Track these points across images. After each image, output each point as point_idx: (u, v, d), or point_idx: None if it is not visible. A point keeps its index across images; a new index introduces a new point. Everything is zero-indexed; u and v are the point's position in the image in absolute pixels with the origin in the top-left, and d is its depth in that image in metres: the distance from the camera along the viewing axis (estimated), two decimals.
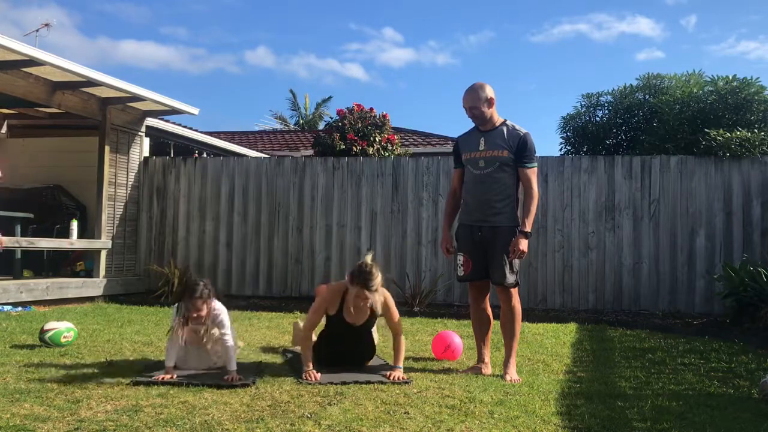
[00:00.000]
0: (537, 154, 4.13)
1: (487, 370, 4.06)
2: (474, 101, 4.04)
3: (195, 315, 3.67)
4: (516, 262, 4.00)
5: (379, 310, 3.84)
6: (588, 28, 48.29)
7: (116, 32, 51.98)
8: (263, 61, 50.00)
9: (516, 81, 49.99)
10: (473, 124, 4.21)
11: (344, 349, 4.01)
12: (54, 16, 48.83)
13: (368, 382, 3.60)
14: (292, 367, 4.05)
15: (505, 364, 4.00)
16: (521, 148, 4.00)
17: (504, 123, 4.10)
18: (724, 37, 48.87)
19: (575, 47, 49.71)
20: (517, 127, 4.09)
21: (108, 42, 51.13)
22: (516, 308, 4.05)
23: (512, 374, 3.91)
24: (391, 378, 3.67)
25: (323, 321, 4.04)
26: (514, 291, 4.04)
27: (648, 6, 48.58)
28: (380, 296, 3.81)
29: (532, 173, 4.04)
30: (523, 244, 3.90)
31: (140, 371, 3.78)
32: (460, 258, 4.12)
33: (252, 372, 3.81)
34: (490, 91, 4.05)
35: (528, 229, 3.91)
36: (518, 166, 4.01)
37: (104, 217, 8.31)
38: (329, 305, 3.95)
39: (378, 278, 3.74)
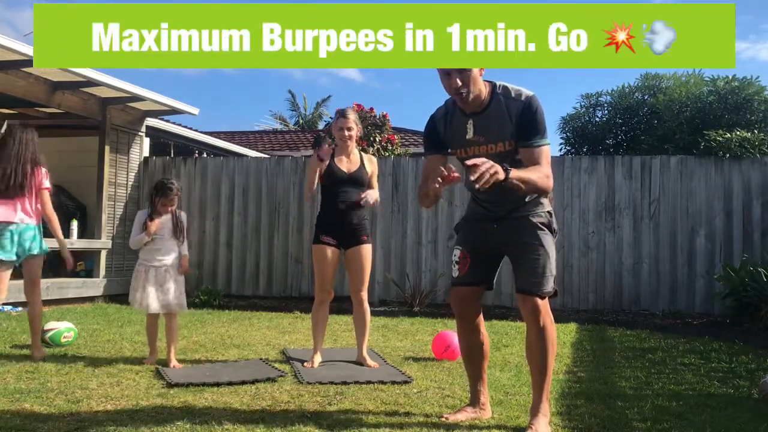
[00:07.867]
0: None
1: (486, 414, 3.00)
2: (466, 75, 2.72)
3: (168, 207, 4.30)
4: (554, 264, 3.00)
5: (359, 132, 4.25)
6: None
7: None
8: None
9: (512, 80, 49.97)
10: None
11: (342, 208, 4.16)
12: None
13: (368, 382, 3.61)
14: (292, 366, 4.05)
15: (533, 411, 2.83)
16: (524, 120, 2.75)
17: (494, 92, 2.82)
18: None
19: None
20: (515, 89, 2.82)
21: None
22: (548, 330, 2.90)
23: (539, 428, 2.75)
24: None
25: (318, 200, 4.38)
26: (546, 305, 2.91)
27: None
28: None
29: (542, 154, 2.74)
30: (498, 171, 2.48)
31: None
32: (456, 253, 3.04)
33: (268, 368, 3.92)
34: None
35: (512, 175, 2.55)
36: (519, 146, 2.76)
37: (104, 217, 8.30)
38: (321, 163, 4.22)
39: (352, 111, 4.22)
